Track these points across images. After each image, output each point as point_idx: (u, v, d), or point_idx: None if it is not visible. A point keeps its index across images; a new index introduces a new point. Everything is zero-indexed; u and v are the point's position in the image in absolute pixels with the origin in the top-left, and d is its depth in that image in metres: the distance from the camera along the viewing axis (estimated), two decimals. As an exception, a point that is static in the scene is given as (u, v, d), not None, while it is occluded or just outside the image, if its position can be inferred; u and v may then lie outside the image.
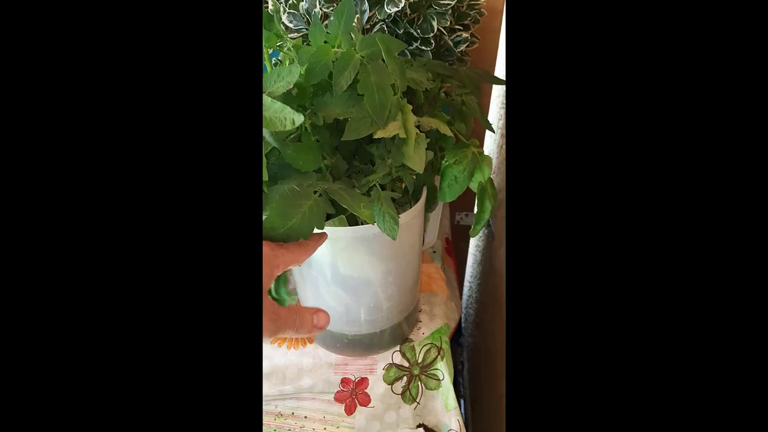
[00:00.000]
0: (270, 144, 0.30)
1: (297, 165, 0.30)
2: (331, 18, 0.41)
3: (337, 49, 0.31)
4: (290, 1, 0.42)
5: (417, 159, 0.31)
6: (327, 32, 0.32)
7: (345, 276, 0.38)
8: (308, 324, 0.28)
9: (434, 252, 0.60)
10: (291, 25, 0.41)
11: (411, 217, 0.37)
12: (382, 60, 0.30)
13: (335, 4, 0.43)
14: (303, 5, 0.41)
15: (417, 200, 0.37)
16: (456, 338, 0.95)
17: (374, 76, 0.29)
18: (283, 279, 0.42)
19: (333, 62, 0.30)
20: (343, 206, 0.29)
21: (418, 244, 0.42)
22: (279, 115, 0.27)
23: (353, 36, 0.31)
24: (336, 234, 0.34)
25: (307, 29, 0.41)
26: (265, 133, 0.29)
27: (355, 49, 0.30)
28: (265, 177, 0.28)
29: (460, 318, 0.62)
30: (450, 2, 0.39)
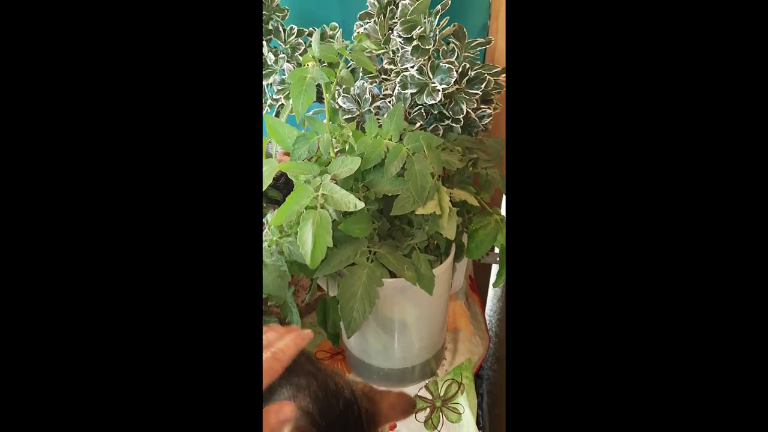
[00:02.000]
0: (332, 217, 0.38)
1: (354, 233, 0.37)
2: (378, 98, 0.50)
3: (388, 141, 0.39)
4: (344, 87, 0.51)
5: (450, 229, 0.38)
6: (378, 120, 0.40)
7: (385, 318, 0.45)
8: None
9: (459, 290, 0.66)
10: (344, 106, 0.50)
11: (441, 271, 0.44)
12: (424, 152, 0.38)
13: (378, 83, 0.52)
14: (354, 90, 0.50)
15: (447, 255, 0.44)
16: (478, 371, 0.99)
17: (417, 165, 0.37)
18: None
19: (385, 152, 0.38)
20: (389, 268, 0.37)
21: (447, 292, 0.48)
22: (345, 200, 0.35)
23: (400, 129, 0.40)
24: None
25: (356, 109, 0.50)
26: (331, 210, 0.37)
27: (402, 142, 0.38)
28: (331, 244, 0.35)
29: (489, 347, 0.67)
30: (478, 92, 0.47)
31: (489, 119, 0.54)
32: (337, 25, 0.56)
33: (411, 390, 0.52)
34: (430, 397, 0.52)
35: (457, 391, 0.52)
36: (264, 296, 0.39)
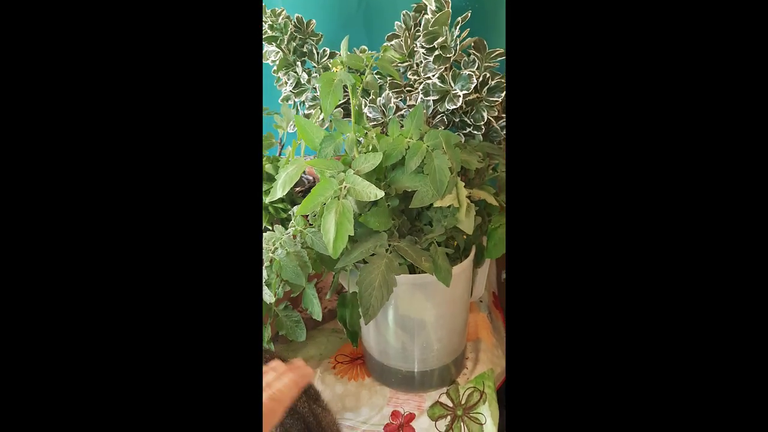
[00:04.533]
0: (354, 209, 0.40)
1: (374, 226, 0.39)
2: (402, 110, 0.53)
3: (409, 140, 0.41)
4: (371, 97, 0.54)
5: (467, 223, 0.39)
6: (401, 125, 0.43)
7: (404, 317, 0.46)
8: None
9: (481, 302, 0.65)
10: (371, 115, 0.53)
11: (461, 269, 0.44)
12: (443, 149, 0.40)
13: (403, 95, 0.55)
14: (380, 101, 0.53)
15: (467, 257, 0.45)
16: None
17: (436, 160, 0.39)
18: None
19: (406, 149, 0.40)
20: (408, 260, 0.38)
21: (467, 294, 0.48)
22: (365, 190, 0.37)
23: (420, 129, 0.42)
24: (400, 280, 0.42)
25: (381, 118, 0.53)
26: (351, 201, 0.39)
27: (422, 140, 0.40)
28: (352, 233, 0.37)
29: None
30: (498, 99, 0.49)
31: (510, 129, 0.55)
32: (366, 48, 0.60)
33: (429, 396, 0.51)
34: (450, 405, 0.50)
35: (479, 400, 0.50)
36: (282, 282, 0.41)
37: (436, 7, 0.45)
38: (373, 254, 0.38)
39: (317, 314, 0.43)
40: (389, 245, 0.40)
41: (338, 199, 0.37)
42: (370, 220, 0.39)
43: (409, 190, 0.41)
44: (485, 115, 0.51)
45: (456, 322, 0.48)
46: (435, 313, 0.46)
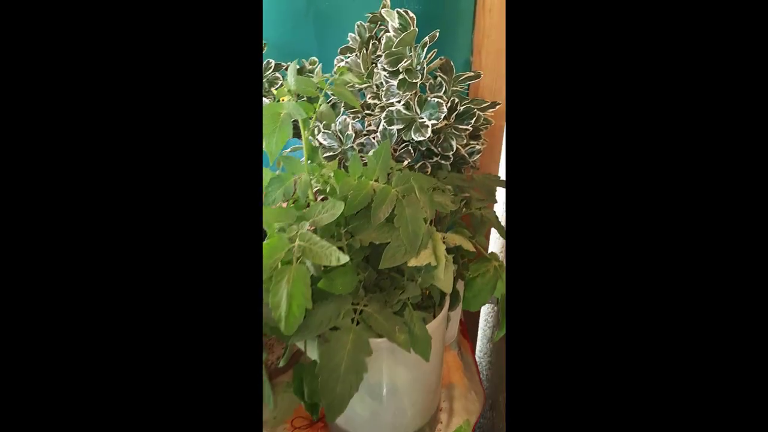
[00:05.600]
0: (311, 271, 0.33)
1: (336, 290, 0.32)
2: (361, 135, 0.46)
3: (374, 183, 0.34)
4: (324, 123, 0.47)
5: (447, 281, 0.33)
6: (362, 159, 0.36)
7: (373, 384, 0.39)
8: None
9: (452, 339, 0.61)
10: (325, 143, 0.46)
11: (436, 326, 0.38)
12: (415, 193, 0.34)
13: (360, 118, 0.48)
14: (335, 126, 0.46)
15: (441, 305, 0.39)
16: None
17: (408, 209, 0.33)
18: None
19: (371, 195, 0.33)
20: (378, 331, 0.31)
21: (442, 347, 0.43)
22: (326, 252, 0.30)
23: (387, 169, 0.36)
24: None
25: (338, 146, 0.46)
26: (308, 263, 0.32)
27: (389, 183, 0.34)
28: (309, 305, 0.30)
29: (485, 402, 0.61)
30: (468, 128, 0.44)
31: (478, 155, 0.51)
32: (316, 60, 0.52)
33: (403, 462, 0.45)
34: (425, 470, 0.45)
35: (455, 461, 0.45)
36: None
37: (400, 24, 0.38)
38: (335, 328, 0.31)
39: (267, 397, 0.36)
40: (355, 311, 0.33)
41: (291, 264, 0.30)
42: (333, 284, 0.32)
43: (377, 242, 0.34)
44: (454, 143, 0.46)
45: (431, 381, 0.43)
46: (408, 377, 0.40)
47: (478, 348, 0.98)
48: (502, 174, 0.74)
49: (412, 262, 0.32)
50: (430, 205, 0.34)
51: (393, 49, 0.39)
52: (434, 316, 0.39)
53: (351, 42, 0.51)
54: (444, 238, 0.37)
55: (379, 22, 0.50)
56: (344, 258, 0.29)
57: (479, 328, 0.97)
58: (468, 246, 0.38)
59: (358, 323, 0.31)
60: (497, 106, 0.50)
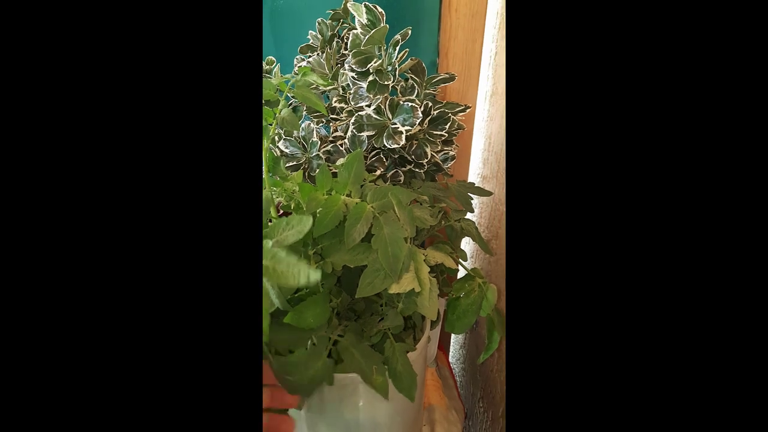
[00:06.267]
0: (274, 302, 0.28)
1: (307, 325, 0.28)
2: (326, 142, 0.42)
3: (346, 198, 0.30)
4: (285, 129, 0.42)
5: (432, 308, 0.30)
6: (330, 168, 0.32)
7: (349, 421, 0.35)
8: None
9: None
10: (287, 151, 0.41)
11: (418, 353, 0.35)
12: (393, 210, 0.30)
13: (325, 123, 0.44)
14: (299, 133, 0.41)
15: (422, 329, 0.36)
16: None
17: (387, 228, 0.29)
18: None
19: (344, 212, 0.29)
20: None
21: (424, 375, 0.40)
22: (292, 270, 0.25)
23: (360, 181, 0.32)
24: (343, 381, 0.32)
25: (302, 154, 0.41)
26: (270, 291, 0.27)
27: (364, 200, 0.30)
28: (266, 339, 0.25)
29: (465, 417, 0.59)
30: (444, 134, 0.41)
31: (452, 161, 0.48)
32: (274, 59, 0.48)
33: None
34: (408, 506, 0.41)
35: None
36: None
37: (368, 20, 0.35)
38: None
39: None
40: (328, 340, 0.29)
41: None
42: (303, 317, 0.28)
43: (351, 266, 0.30)
44: (428, 150, 0.43)
45: (412, 413, 0.39)
46: (388, 412, 0.36)
47: (450, 354, 0.96)
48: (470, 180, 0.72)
49: (393, 289, 0.28)
50: (411, 222, 0.30)
51: (362, 48, 0.35)
52: (414, 339, 0.36)
53: (312, 40, 0.47)
54: (425, 254, 0.34)
55: (341, 20, 0.46)
56: (315, 275, 0.24)
57: (452, 335, 0.95)
58: (450, 264, 0.35)
59: (330, 355, 0.27)
60: (468, 110, 0.47)
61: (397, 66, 0.36)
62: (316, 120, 0.45)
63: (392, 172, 0.44)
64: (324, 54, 0.43)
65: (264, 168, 0.32)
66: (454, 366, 0.92)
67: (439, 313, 0.39)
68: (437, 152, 0.46)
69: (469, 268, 0.37)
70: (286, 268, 0.26)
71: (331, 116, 0.44)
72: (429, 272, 0.32)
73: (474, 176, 0.72)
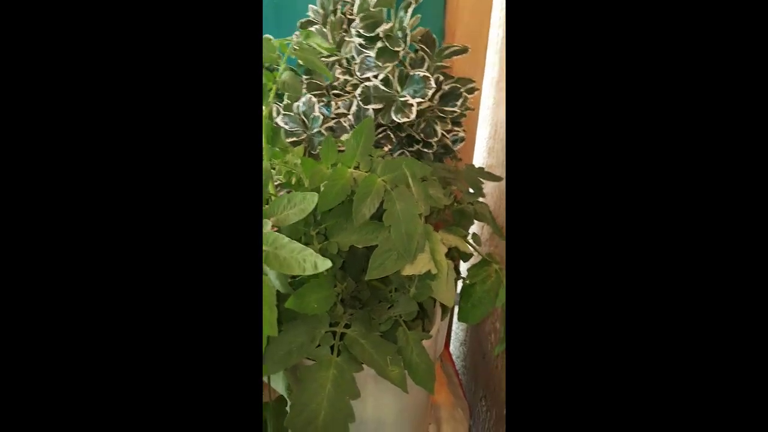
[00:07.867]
0: (275, 285, 0.25)
1: (310, 310, 0.25)
2: (328, 121, 0.39)
3: (354, 171, 0.27)
4: (285, 102, 0.39)
5: (449, 294, 0.27)
6: (336, 140, 0.29)
7: (356, 417, 0.32)
8: None
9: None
10: (286, 127, 0.38)
11: (430, 344, 0.32)
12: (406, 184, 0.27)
13: (326, 100, 0.41)
14: (299, 107, 0.38)
15: (432, 319, 0.33)
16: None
17: (400, 204, 0.26)
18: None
19: (352, 187, 0.26)
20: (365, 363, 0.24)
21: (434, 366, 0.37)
22: (297, 257, 0.22)
23: (371, 154, 0.28)
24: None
25: (303, 131, 0.38)
26: (271, 274, 0.24)
27: (374, 173, 0.27)
28: (275, 331, 0.22)
29: (470, 417, 0.56)
30: (455, 110, 0.38)
31: (461, 143, 0.45)
32: (271, 37, 0.44)
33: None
34: None
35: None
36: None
37: (378, -21, 0.31)
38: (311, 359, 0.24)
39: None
40: (334, 336, 0.26)
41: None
42: (305, 301, 0.25)
43: (359, 246, 0.27)
44: (438, 129, 0.40)
45: (420, 409, 0.36)
46: (396, 409, 0.33)
47: (451, 351, 0.93)
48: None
49: (407, 270, 0.25)
50: (426, 197, 0.27)
51: (371, 10, 0.32)
52: (423, 330, 0.33)
53: (312, 15, 0.43)
54: (441, 238, 0.31)
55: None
56: (324, 264, 0.21)
57: (452, 331, 0.93)
58: (464, 247, 0.32)
59: (339, 353, 0.24)
60: (476, 92, 0.45)
61: (408, 31, 0.33)
62: (318, 97, 0.42)
63: (398, 152, 0.41)
64: (327, 25, 0.40)
65: (263, 139, 0.29)
66: (456, 360, 0.89)
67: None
68: (447, 132, 0.43)
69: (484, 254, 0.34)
70: (290, 254, 0.23)
71: (333, 92, 0.41)
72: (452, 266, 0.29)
73: (479, 165, 0.70)
